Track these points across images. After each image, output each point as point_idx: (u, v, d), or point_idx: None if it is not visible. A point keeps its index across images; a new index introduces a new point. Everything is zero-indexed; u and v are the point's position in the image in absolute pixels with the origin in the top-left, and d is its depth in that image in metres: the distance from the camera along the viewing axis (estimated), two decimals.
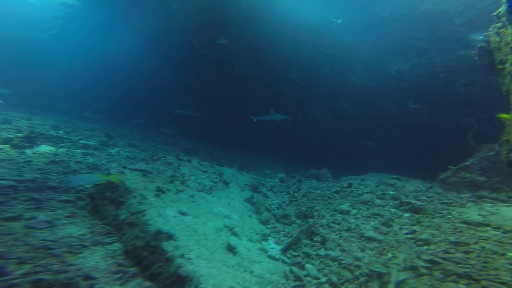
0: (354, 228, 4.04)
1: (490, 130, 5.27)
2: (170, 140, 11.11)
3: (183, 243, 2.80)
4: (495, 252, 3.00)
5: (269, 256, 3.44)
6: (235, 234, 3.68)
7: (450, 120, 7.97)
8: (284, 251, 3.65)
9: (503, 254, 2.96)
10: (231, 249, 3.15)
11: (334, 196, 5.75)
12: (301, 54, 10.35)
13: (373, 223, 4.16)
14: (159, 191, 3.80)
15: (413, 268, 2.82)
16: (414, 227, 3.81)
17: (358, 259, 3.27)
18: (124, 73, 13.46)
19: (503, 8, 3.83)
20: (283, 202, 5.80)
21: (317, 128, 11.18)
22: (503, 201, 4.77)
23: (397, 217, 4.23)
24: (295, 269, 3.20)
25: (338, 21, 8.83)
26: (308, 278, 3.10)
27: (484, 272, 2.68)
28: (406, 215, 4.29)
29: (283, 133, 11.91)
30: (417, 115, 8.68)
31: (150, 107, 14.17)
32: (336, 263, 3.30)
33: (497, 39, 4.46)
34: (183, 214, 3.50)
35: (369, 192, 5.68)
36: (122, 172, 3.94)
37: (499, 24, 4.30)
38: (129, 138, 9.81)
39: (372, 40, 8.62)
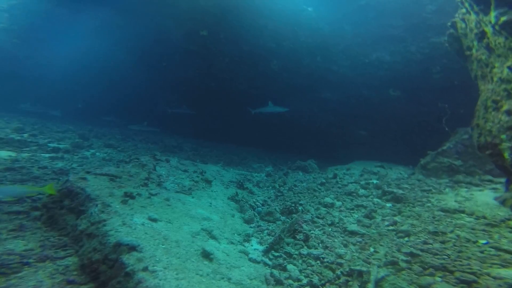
0: (338, 222, 3.95)
1: (465, 114, 5.31)
2: (153, 138, 10.56)
3: (148, 254, 2.55)
4: (468, 240, 3.05)
5: (250, 259, 3.28)
6: (213, 237, 3.48)
7: (427, 106, 8.02)
8: (265, 252, 3.50)
9: (475, 242, 3.01)
10: (206, 255, 2.94)
11: (320, 188, 5.67)
12: (282, 45, 10.03)
13: (356, 216, 4.09)
14: (128, 196, 3.50)
15: (393, 263, 2.77)
16: (395, 218, 3.77)
17: (340, 256, 3.18)
18: (96, 71, 12.58)
19: None
20: (269, 198, 5.65)
21: (303, 119, 11.05)
22: (476, 185, 4.87)
23: (380, 208, 4.19)
24: (275, 272, 3.05)
25: (309, 8, 8.55)
26: (289, 281, 2.97)
27: (457, 263, 2.69)
28: (388, 205, 4.26)
29: (271, 125, 11.71)
30: (397, 102, 8.70)
31: (125, 105, 13.40)
32: (318, 262, 3.20)
33: (463, 25, 4.34)
34: (154, 220, 3.24)
35: (354, 182, 5.63)
36: (84, 178, 3.59)
37: (463, 10, 4.16)
38: (107, 138, 9.20)
39: (351, 29, 8.43)
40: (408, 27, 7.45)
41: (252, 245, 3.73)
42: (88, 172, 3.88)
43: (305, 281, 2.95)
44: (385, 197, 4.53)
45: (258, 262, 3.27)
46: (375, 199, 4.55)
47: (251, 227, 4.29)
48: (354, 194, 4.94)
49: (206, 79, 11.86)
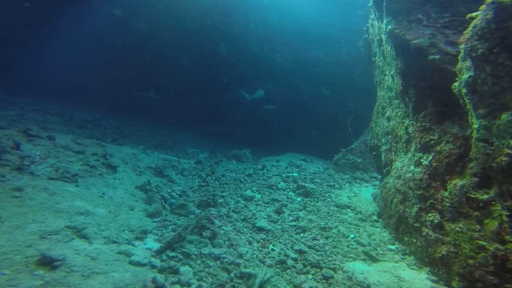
0: (250, 217, 3.60)
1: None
2: (57, 110, 7.81)
3: None
4: (343, 235, 3.16)
5: (131, 262, 2.55)
6: (83, 236, 2.58)
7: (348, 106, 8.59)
8: (158, 252, 2.82)
9: (347, 236, 3.14)
10: (47, 262, 2.05)
11: (246, 180, 5.27)
12: (231, 28, 9.07)
13: (268, 210, 3.84)
14: None
15: (282, 262, 2.62)
16: (299, 213, 3.70)
17: (241, 255, 2.82)
18: None
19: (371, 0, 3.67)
20: (191, 188, 4.91)
21: (245, 107, 10.53)
22: (366, 181, 5.36)
23: (291, 202, 4.07)
24: (160, 276, 2.43)
25: (265, 1, 7.90)
26: (176, 286, 2.41)
27: (329, 258, 2.73)
28: (298, 199, 4.19)
29: (213, 108, 10.77)
30: (327, 100, 9.06)
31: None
32: (218, 262, 2.73)
33: (372, 30, 4.41)
34: None
35: (277, 175, 5.46)
36: None
37: (372, 16, 4.21)
38: None
39: (296, 22, 8.14)
40: (342, 28, 7.62)
41: (145, 244, 2.99)
42: None
43: (194, 285, 2.45)
44: (298, 191, 4.47)
45: (143, 265, 2.57)
46: (290, 193, 4.45)
47: (154, 222, 3.51)
48: (274, 187, 4.74)
49: (140, 51, 9.89)
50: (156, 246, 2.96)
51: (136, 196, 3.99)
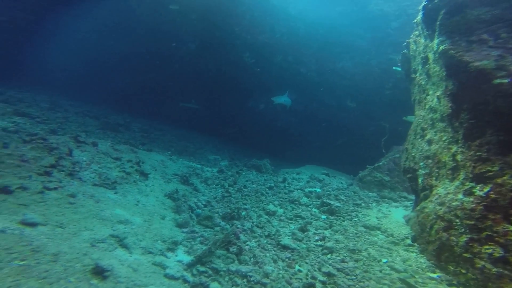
0: (274, 234, 3.60)
1: (402, 131, 5.53)
2: (95, 112, 8.52)
3: None
4: (375, 259, 3.04)
5: (166, 275, 2.66)
6: (124, 246, 2.74)
7: (376, 120, 8.29)
8: (190, 266, 2.92)
9: (379, 261, 3.01)
10: (99, 272, 2.20)
11: (267, 193, 5.29)
12: (257, 38, 9.24)
13: (292, 227, 3.81)
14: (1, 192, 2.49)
15: (310, 286, 2.60)
16: (325, 232, 3.63)
17: (266, 274, 2.82)
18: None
19: (419, 16, 3.51)
20: (214, 198, 5.02)
21: (266, 116, 10.59)
22: (395, 201, 5.11)
23: (315, 220, 4.00)
24: None
25: (292, 12, 7.93)
26: None
27: (360, 284, 2.63)
28: (323, 217, 4.12)
29: (235, 117, 10.96)
30: (352, 113, 8.82)
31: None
32: (244, 280, 2.76)
33: (414, 47, 4.27)
34: (31, 225, 2.34)
35: (299, 189, 5.41)
36: None
37: (417, 32, 4.05)
38: (25, 105, 6.88)
39: (324, 33, 8.08)
40: (373, 40, 7.43)
41: (176, 256, 3.10)
42: None
43: None
44: (322, 208, 4.39)
45: (176, 279, 2.67)
46: (314, 209, 4.38)
47: (182, 232, 3.64)
48: (297, 202, 4.70)
49: (171, 59, 10.40)
50: (186, 258, 3.06)
51: (165, 204, 4.16)
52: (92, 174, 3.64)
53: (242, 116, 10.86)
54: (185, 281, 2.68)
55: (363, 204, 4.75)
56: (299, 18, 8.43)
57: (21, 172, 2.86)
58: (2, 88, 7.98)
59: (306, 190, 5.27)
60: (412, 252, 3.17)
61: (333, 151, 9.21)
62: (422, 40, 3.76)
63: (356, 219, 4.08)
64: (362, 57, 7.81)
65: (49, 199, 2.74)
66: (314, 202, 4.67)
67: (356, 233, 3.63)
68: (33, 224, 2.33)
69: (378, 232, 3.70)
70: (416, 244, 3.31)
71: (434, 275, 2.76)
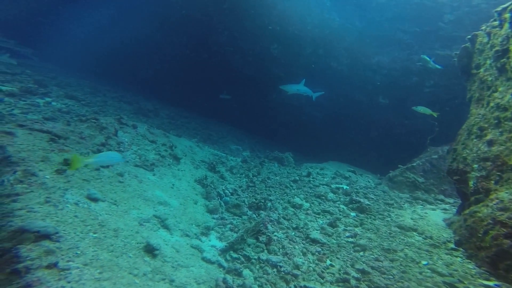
0: (302, 227, 3.61)
1: (439, 132, 5.17)
2: (128, 98, 9.08)
3: (67, 245, 1.93)
4: (413, 260, 2.94)
5: (204, 259, 2.80)
6: (166, 227, 2.92)
7: (410, 118, 7.80)
8: (223, 251, 3.04)
9: (418, 262, 2.91)
10: (150, 250, 2.39)
11: (292, 186, 5.28)
12: (287, 30, 8.98)
13: (321, 222, 3.79)
14: (68, 165, 2.73)
15: (345, 281, 2.60)
16: (356, 229, 3.56)
17: (297, 266, 2.86)
18: None
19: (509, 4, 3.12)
20: (240, 187, 5.14)
21: (290, 109, 10.41)
22: (430, 203, 4.84)
23: (344, 216, 3.94)
24: (229, 277, 2.62)
25: (327, 3, 7.51)
26: None
27: (399, 284, 2.57)
28: (353, 214, 4.03)
29: (256, 107, 10.93)
30: (383, 110, 8.36)
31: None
32: (275, 270, 2.83)
33: (484, 39, 3.85)
34: (94, 200, 2.57)
35: (325, 185, 5.32)
36: (11, 133, 2.71)
37: (495, 23, 3.62)
38: (72, 89, 7.59)
39: (362, 26, 7.61)
40: (418, 34, 6.85)
41: (210, 241, 3.25)
42: (21, 126, 2.95)
43: None
44: (351, 206, 4.29)
45: (213, 263, 2.81)
46: (342, 206, 4.30)
47: (213, 218, 3.79)
48: (323, 197, 4.64)
49: (200, 48, 10.51)
50: (219, 244, 3.19)
51: (196, 189, 4.33)
52: (133, 155, 3.87)
53: (263, 108, 10.81)
54: (220, 265, 2.81)
55: (395, 204, 4.57)
56: (333, 10, 8.01)
57: (80, 148, 3.13)
58: (53, 73, 8.71)
59: (332, 186, 5.18)
60: (456, 256, 3.00)
61: (359, 148, 8.88)
62: (504, 31, 3.39)
63: (389, 218, 3.95)
64: (402, 52, 7.27)
65: (104, 176, 2.99)
66: (342, 199, 4.59)
67: (390, 233, 3.52)
68: (95, 200, 2.55)
69: (414, 233, 3.56)
70: (461, 249, 3.13)
71: (491, 283, 2.59)
